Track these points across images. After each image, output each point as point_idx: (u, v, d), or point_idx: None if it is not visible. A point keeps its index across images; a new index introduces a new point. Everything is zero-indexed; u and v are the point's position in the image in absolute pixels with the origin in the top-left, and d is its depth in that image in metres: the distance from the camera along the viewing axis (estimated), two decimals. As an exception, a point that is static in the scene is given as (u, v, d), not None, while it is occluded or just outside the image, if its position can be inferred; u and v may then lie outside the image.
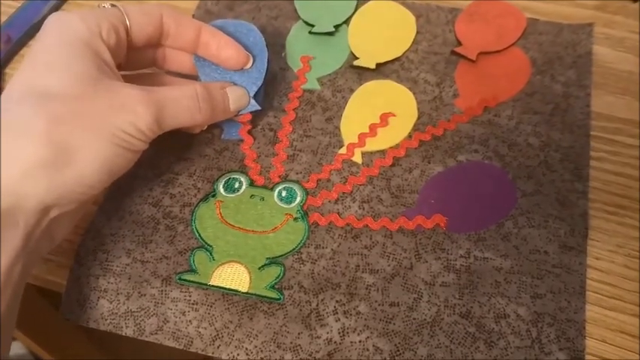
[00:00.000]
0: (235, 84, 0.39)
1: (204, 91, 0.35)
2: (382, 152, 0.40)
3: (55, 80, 0.30)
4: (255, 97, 0.39)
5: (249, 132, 0.40)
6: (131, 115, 0.31)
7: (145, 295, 0.34)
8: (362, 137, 0.40)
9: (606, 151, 0.39)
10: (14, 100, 0.29)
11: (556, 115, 0.40)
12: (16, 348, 0.79)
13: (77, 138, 0.29)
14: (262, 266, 0.35)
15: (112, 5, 0.35)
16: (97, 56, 0.32)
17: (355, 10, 0.47)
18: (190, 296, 0.34)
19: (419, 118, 0.41)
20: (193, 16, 0.48)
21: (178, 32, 0.37)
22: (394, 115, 0.41)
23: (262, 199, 0.38)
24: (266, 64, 0.39)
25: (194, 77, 0.40)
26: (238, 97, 0.38)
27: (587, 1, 0.47)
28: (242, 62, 0.38)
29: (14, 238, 0.28)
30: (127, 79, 0.35)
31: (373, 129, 0.40)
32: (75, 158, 0.29)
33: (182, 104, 0.34)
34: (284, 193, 0.38)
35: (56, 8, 0.50)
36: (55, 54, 0.31)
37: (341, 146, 0.40)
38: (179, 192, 0.38)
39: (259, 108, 0.39)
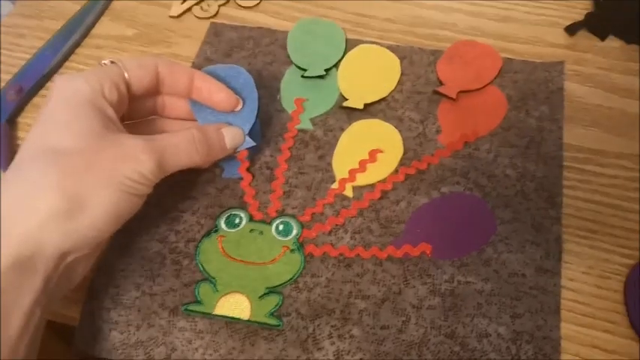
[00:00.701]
0: (230, 124, 0.41)
1: (200, 134, 0.38)
2: (371, 186, 0.42)
3: (65, 138, 0.33)
4: (249, 134, 0.42)
5: (248, 170, 0.43)
6: (135, 163, 0.34)
7: (153, 325, 0.37)
8: (352, 173, 0.43)
9: (577, 179, 0.42)
10: (29, 158, 0.33)
11: (531, 148, 0.43)
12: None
13: (88, 188, 0.32)
14: (262, 295, 0.38)
15: (112, 62, 0.38)
16: (101, 113, 0.35)
17: (344, 54, 0.50)
18: (196, 325, 0.37)
19: (405, 153, 0.44)
20: (193, 63, 0.51)
21: (173, 80, 0.40)
22: (382, 152, 0.43)
23: (261, 233, 0.40)
24: (257, 103, 0.42)
25: (192, 121, 0.43)
26: (234, 136, 0.41)
27: (558, 40, 0.50)
28: (232, 104, 0.41)
29: (35, 283, 0.31)
30: (131, 128, 0.38)
31: (363, 165, 0.43)
32: (86, 206, 0.32)
33: (181, 148, 0.37)
34: (281, 227, 0.41)
35: (65, 59, 0.53)
36: (63, 114, 0.34)
37: (333, 182, 0.43)
38: (184, 228, 0.41)
39: (255, 144, 0.42)
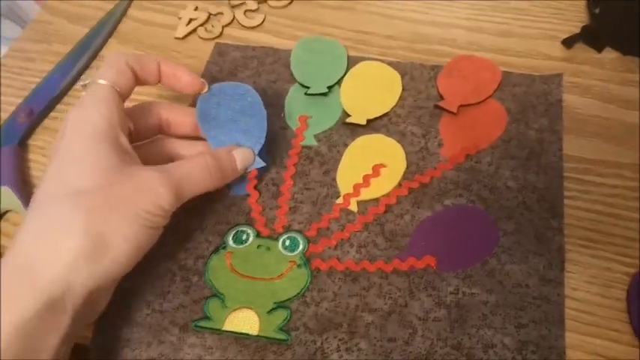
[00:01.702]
0: (240, 145, 0.42)
1: (213, 160, 0.39)
2: (375, 200, 0.43)
3: (84, 175, 0.34)
4: (259, 154, 0.43)
5: (255, 187, 0.44)
6: (154, 196, 0.35)
7: (164, 342, 0.38)
8: (357, 187, 0.43)
9: (578, 190, 0.42)
10: (50, 199, 0.33)
11: (531, 159, 0.44)
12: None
13: (111, 225, 0.33)
14: (270, 310, 0.38)
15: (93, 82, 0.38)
16: (117, 145, 0.36)
17: (346, 71, 0.51)
18: (206, 341, 0.38)
19: (408, 167, 0.44)
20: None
21: (145, 73, 0.40)
22: (385, 166, 0.44)
23: (268, 248, 0.41)
24: (265, 122, 0.43)
25: (201, 140, 0.44)
26: (245, 157, 0.42)
27: (555, 53, 0.51)
28: (198, 87, 0.42)
29: (64, 322, 0.31)
30: (140, 150, 0.39)
31: (366, 180, 0.44)
32: (110, 244, 0.32)
33: (196, 177, 0.38)
34: (288, 243, 0.41)
35: (74, 81, 0.54)
36: (79, 150, 0.34)
37: (338, 197, 0.44)
38: (192, 246, 0.42)
39: (264, 164, 0.43)
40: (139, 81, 0.41)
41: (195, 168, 0.38)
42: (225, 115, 0.43)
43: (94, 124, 0.35)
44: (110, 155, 0.35)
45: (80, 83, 0.39)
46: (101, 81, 0.38)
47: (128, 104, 0.40)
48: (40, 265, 0.31)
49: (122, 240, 0.33)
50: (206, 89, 0.43)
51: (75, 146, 0.35)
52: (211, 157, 0.39)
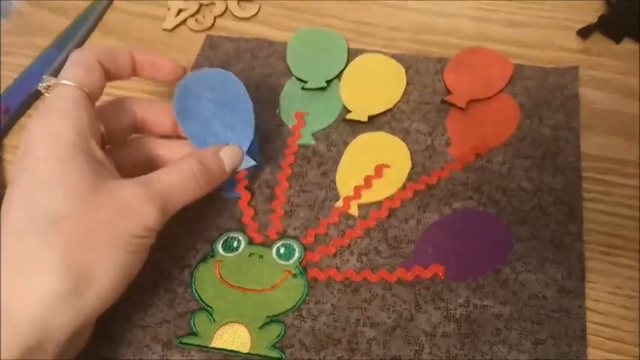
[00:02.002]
0: (226, 142, 0.39)
1: (199, 165, 0.35)
2: (378, 204, 0.40)
3: (57, 199, 0.29)
4: (249, 151, 0.39)
5: (247, 188, 0.41)
6: (139, 217, 0.31)
7: (146, 360, 0.35)
8: (357, 190, 0.41)
9: (598, 191, 0.39)
10: (23, 231, 0.29)
11: (547, 159, 0.41)
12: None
13: (92, 257, 0.29)
14: (263, 325, 0.35)
15: (57, 82, 0.34)
16: (90, 158, 0.31)
17: (346, 64, 0.48)
18: (192, 359, 0.35)
19: (413, 168, 0.42)
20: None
21: (117, 68, 0.37)
22: (388, 167, 0.41)
23: (261, 257, 0.38)
24: (252, 115, 0.39)
25: (182, 140, 0.40)
26: (233, 157, 0.38)
27: (570, 44, 0.48)
28: (178, 73, 0.39)
29: None
30: (115, 154, 0.35)
31: (368, 181, 0.41)
32: (93, 279, 0.29)
33: (183, 187, 0.34)
34: (282, 250, 0.38)
35: (54, 76, 0.50)
36: (48, 169, 0.30)
37: (337, 200, 0.41)
38: (178, 253, 0.39)
39: (255, 163, 0.39)
40: (110, 77, 0.37)
41: (180, 177, 0.34)
42: (205, 110, 0.39)
43: (62, 137, 0.31)
44: (84, 172, 0.30)
45: (42, 85, 0.34)
46: (66, 82, 0.33)
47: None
48: (16, 309, 0.27)
49: (106, 271, 0.30)
50: (186, 73, 0.39)
51: (42, 165, 0.30)
52: (196, 161, 0.35)
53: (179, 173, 0.34)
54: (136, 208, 0.31)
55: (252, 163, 0.39)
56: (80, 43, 0.53)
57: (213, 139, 0.39)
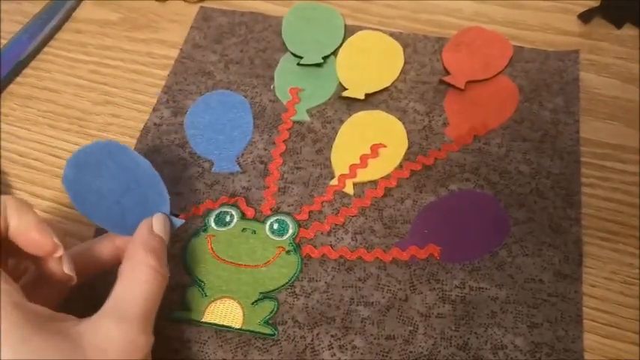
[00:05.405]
0: (152, 214, 0.33)
1: (154, 260, 0.30)
2: (373, 183, 0.39)
3: None
4: (172, 213, 0.34)
5: (239, 163, 0.41)
6: (137, 354, 0.27)
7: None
8: (353, 168, 0.40)
9: (596, 177, 0.39)
10: None
11: (545, 142, 0.40)
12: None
13: None
14: (255, 301, 0.35)
15: None
16: (28, 310, 0.26)
17: (343, 41, 0.47)
18: (183, 334, 0.34)
19: (409, 147, 0.41)
20: (181, 49, 0.47)
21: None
22: (384, 146, 0.41)
23: (254, 232, 0.37)
24: (162, 183, 0.33)
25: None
26: (164, 226, 0.33)
27: (571, 28, 0.47)
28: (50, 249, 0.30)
29: None
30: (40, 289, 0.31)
31: (364, 160, 0.40)
32: None
33: (153, 291, 0.29)
34: (275, 226, 0.37)
35: (43, 44, 0.49)
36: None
37: (332, 178, 0.40)
38: (170, 227, 0.38)
39: (183, 221, 0.34)
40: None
41: (143, 282, 0.29)
42: (110, 192, 0.33)
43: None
44: (45, 336, 0.25)
45: None
46: None
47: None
48: None
49: None
50: (59, 254, 0.30)
51: None
52: (145, 253, 0.30)
53: (140, 279, 0.29)
54: (133, 350, 0.27)
55: (181, 221, 0.34)
56: (71, 11, 0.51)
57: (131, 223, 0.33)
